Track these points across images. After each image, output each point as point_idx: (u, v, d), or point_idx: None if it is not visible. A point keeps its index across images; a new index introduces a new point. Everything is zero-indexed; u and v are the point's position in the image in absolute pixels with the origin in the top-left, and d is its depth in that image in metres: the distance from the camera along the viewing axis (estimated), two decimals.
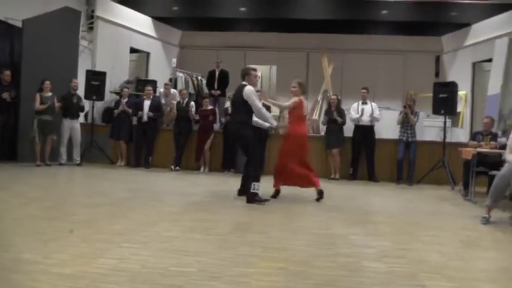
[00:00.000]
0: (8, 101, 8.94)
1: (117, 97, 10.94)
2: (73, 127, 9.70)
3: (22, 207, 5.01)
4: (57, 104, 9.34)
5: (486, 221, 5.26)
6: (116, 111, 10.18)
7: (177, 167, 9.80)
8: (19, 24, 9.33)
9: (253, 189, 5.91)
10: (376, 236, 4.43)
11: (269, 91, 14.56)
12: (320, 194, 6.38)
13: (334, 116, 9.46)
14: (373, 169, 9.49)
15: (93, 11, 11.63)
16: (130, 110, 10.08)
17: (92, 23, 11.68)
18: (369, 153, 9.51)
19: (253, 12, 13.06)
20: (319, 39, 13.76)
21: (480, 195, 7.12)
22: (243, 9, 12.66)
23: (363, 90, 9.67)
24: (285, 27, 13.77)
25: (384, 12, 12.13)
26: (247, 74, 6.32)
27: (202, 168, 9.89)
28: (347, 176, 9.48)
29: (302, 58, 14.39)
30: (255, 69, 6.50)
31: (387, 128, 9.78)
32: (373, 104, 9.69)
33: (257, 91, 6.58)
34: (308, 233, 4.35)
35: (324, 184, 8.63)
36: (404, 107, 9.28)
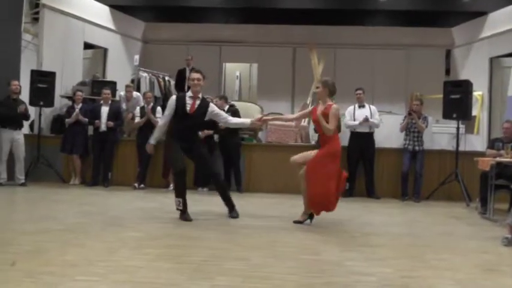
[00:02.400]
0: None
1: (70, 102, 10.90)
2: (15, 139, 9.60)
3: None
4: None
5: (508, 242, 5.36)
6: (67, 121, 10.14)
7: (141, 185, 9.79)
8: None
9: (177, 206, 6.40)
10: (377, 261, 4.50)
11: (249, 93, 14.68)
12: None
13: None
14: (372, 184, 9.62)
15: None
16: (86, 120, 10.06)
17: (37, 12, 11.65)
18: (367, 165, 9.64)
19: (230, 0, 13.17)
20: (308, 31, 13.91)
21: (500, 212, 7.29)
22: None
23: (358, 92, 9.81)
24: (268, 18, 13.89)
25: None
26: None
27: (171, 185, 9.88)
28: (342, 192, 9.54)
29: (287, 54, 14.52)
30: (194, 71, 6.86)
31: (389, 135, 9.89)
32: (372, 107, 9.83)
33: (219, 99, 6.85)
34: (295, 259, 4.41)
35: None
36: (410, 113, 9.44)
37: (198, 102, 6.59)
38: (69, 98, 11.24)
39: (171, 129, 6.72)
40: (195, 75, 6.63)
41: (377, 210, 8.14)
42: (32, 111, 10.41)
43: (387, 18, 13.87)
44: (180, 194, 6.45)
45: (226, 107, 9.82)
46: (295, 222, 6.41)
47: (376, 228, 6.41)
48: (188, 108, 6.52)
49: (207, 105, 6.70)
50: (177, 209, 6.40)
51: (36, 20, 11.77)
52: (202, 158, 6.73)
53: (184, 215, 6.35)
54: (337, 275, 3.95)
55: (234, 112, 9.68)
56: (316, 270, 4.08)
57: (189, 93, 6.66)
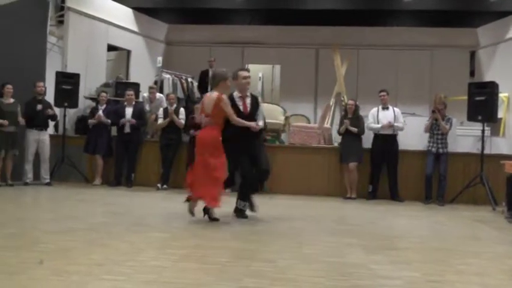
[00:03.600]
0: None
1: (93, 103, 11.00)
2: (40, 140, 9.75)
3: None
4: (20, 119, 9.35)
5: None
6: (90, 121, 10.25)
7: (165, 185, 9.84)
8: None
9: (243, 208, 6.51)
10: (402, 264, 4.45)
11: (272, 94, 14.66)
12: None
13: (347, 125, 9.51)
14: (396, 186, 9.54)
15: (63, 2, 11.77)
16: (108, 121, 10.16)
17: (62, 15, 11.81)
18: (391, 168, 9.56)
19: (252, 1, 13.18)
20: (331, 32, 13.86)
21: None
22: None
23: (382, 93, 9.74)
24: (290, 19, 13.89)
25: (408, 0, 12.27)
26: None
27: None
28: (365, 195, 9.53)
29: (310, 55, 14.49)
30: (243, 69, 6.72)
31: (413, 137, 9.82)
32: (396, 109, 9.76)
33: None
34: (321, 262, 4.39)
35: (339, 204, 8.78)
36: (433, 111, 9.36)
37: (248, 100, 6.44)
38: (93, 99, 11.36)
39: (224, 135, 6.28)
40: (247, 74, 6.49)
41: (401, 213, 8.07)
42: (57, 112, 10.53)
43: (411, 19, 13.76)
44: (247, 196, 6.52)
45: None
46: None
47: (401, 231, 6.36)
48: (241, 108, 6.38)
49: (257, 102, 6.57)
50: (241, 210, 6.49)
51: (61, 22, 11.94)
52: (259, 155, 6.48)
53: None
54: (363, 278, 3.92)
55: None
56: (342, 273, 4.05)
57: (236, 93, 6.46)
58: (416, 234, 6.15)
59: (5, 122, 9.08)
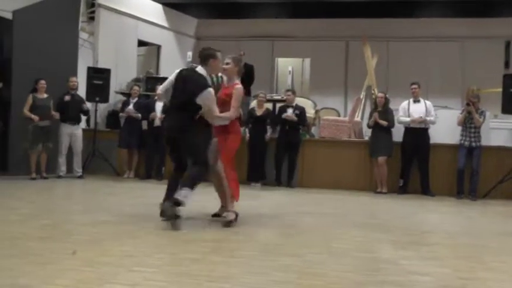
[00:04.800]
0: None
1: (124, 98, 11.13)
2: (73, 134, 9.93)
3: (15, 225, 5.15)
4: (54, 113, 9.53)
5: None
6: (121, 115, 10.37)
7: None
8: (9, 16, 9.63)
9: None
10: (432, 260, 4.39)
11: (302, 88, 14.63)
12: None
13: (376, 118, 9.40)
14: (427, 181, 9.40)
15: None
16: (139, 115, 10.25)
17: (93, 12, 11.97)
18: (422, 162, 9.43)
19: None
20: (361, 25, 13.74)
21: None
22: None
23: (414, 86, 9.59)
24: (320, 12, 13.81)
25: None
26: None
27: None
28: (396, 189, 9.43)
29: (340, 48, 14.41)
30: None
31: (444, 130, 9.68)
32: (428, 102, 9.61)
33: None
34: (350, 257, 4.36)
35: (369, 199, 8.72)
36: (468, 104, 9.19)
37: None
38: (123, 94, 11.51)
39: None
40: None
41: (432, 208, 7.97)
42: (88, 106, 10.70)
43: (442, 9, 13.53)
44: None
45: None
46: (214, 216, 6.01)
47: (432, 226, 6.27)
48: None
49: None
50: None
51: (92, 19, 12.11)
52: None
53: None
54: (393, 273, 3.88)
55: None
56: (371, 268, 4.02)
57: None
58: (447, 229, 6.05)
59: (36, 117, 9.22)
